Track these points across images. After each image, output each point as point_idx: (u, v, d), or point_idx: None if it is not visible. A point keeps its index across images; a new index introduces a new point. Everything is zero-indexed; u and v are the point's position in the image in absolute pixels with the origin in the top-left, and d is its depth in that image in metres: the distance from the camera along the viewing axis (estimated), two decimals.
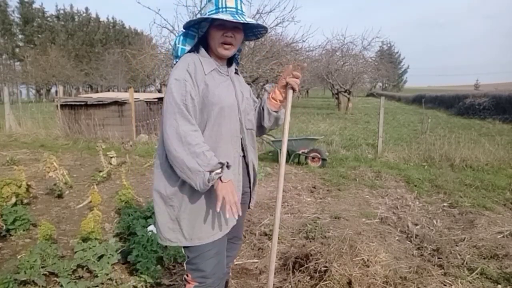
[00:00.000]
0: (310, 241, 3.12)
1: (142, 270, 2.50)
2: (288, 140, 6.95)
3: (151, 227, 2.96)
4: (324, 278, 2.32)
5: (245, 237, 3.22)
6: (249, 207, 1.85)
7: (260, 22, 1.66)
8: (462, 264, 2.82)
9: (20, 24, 47.35)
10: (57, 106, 9.31)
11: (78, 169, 6.02)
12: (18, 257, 2.78)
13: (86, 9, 56.72)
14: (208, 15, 1.50)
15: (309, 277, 2.43)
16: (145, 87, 33.34)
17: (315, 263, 2.46)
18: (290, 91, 1.65)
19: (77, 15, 54.92)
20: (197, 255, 1.59)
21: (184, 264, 1.68)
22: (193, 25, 1.57)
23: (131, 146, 7.88)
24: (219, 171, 1.41)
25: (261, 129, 1.81)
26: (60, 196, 4.40)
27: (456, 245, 3.16)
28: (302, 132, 10.80)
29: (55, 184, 4.42)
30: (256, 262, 2.85)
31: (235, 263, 2.79)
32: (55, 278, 2.43)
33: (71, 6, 59.21)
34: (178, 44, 1.59)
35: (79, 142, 8.56)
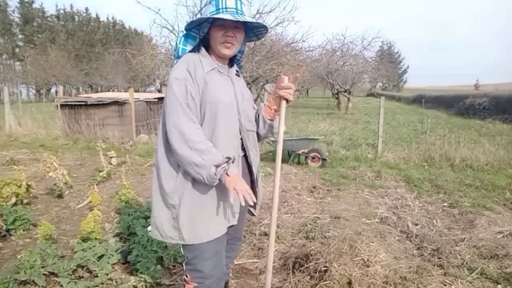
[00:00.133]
0: (310, 241, 3.12)
1: (142, 270, 2.50)
2: (288, 140, 6.91)
3: (151, 227, 2.96)
4: (324, 278, 2.32)
5: (245, 237, 3.22)
6: (253, 214, 1.86)
7: (260, 21, 1.66)
8: (462, 264, 2.82)
9: (20, 24, 47.37)
10: (57, 106, 9.31)
11: (78, 169, 6.02)
12: (18, 257, 2.78)
13: (86, 9, 56.77)
14: (209, 16, 1.51)
15: (309, 277, 2.43)
16: (145, 87, 33.37)
17: (315, 263, 2.46)
18: (284, 102, 1.65)
19: (77, 15, 54.96)
20: (195, 256, 1.59)
21: (183, 265, 1.68)
22: (194, 26, 1.58)
23: (131, 146, 7.88)
24: (225, 165, 1.46)
25: (256, 136, 1.82)
26: (60, 196, 4.40)
27: (456, 245, 3.16)
28: (302, 132, 10.80)
29: (55, 184, 4.42)
30: (256, 262, 2.85)
31: (235, 263, 2.79)
32: (55, 278, 2.43)
33: (71, 6, 59.22)
34: (179, 44, 1.60)
35: (79, 142, 8.55)
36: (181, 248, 1.66)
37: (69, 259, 2.60)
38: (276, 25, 8.51)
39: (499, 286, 2.54)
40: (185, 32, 1.60)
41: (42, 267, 2.42)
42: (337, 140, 8.43)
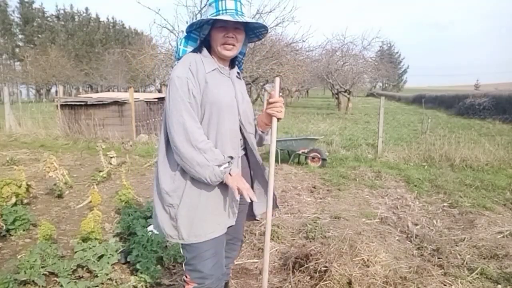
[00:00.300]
0: (310, 241, 3.12)
1: (142, 270, 2.50)
2: (288, 140, 6.91)
3: (151, 227, 2.96)
4: (324, 278, 2.32)
5: (245, 237, 3.22)
6: (255, 219, 1.88)
7: (260, 22, 1.66)
8: (462, 264, 2.82)
9: (20, 24, 47.34)
10: (57, 106, 9.32)
11: (78, 169, 6.02)
12: (18, 257, 2.78)
13: (86, 9, 56.79)
14: (209, 17, 1.52)
15: (309, 277, 2.43)
16: (145, 87, 33.31)
17: (315, 263, 2.46)
18: (274, 119, 1.66)
19: (77, 15, 54.92)
20: (194, 256, 1.60)
21: (183, 265, 1.68)
22: (195, 29, 1.60)
23: (131, 146, 7.88)
24: (227, 165, 1.49)
25: None
26: (60, 196, 4.40)
27: (456, 245, 3.16)
28: (302, 132, 10.80)
29: (55, 184, 4.42)
30: (256, 262, 2.86)
31: (235, 263, 2.79)
32: (55, 278, 2.43)
33: (71, 6, 59.37)
34: (180, 45, 1.61)
35: (79, 142, 8.55)
36: (181, 249, 1.67)
37: (69, 259, 2.60)
38: (276, 25, 8.52)
39: (499, 286, 2.54)
40: (186, 34, 1.61)
41: (42, 267, 2.42)
42: (337, 140, 8.43)
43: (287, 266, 2.66)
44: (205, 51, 1.61)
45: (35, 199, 4.28)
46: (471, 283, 2.57)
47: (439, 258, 2.92)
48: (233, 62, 1.72)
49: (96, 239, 2.72)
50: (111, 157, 5.72)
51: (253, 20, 1.58)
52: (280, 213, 4.00)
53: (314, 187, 5.05)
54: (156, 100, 10.02)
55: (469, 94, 20.09)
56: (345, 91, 20.91)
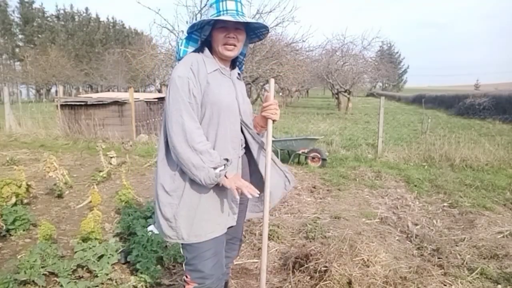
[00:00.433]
0: (310, 241, 3.12)
1: (142, 270, 2.50)
2: (288, 140, 6.90)
3: (151, 227, 2.96)
4: (324, 278, 2.32)
5: (245, 237, 3.22)
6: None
7: (260, 22, 1.67)
8: (462, 264, 2.82)
9: (20, 24, 47.32)
10: (57, 106, 9.31)
11: (78, 169, 6.02)
12: (18, 257, 2.78)
13: (86, 9, 56.72)
14: (210, 18, 1.52)
15: (309, 277, 2.43)
16: (145, 87, 33.29)
17: (315, 263, 2.46)
18: (270, 121, 1.67)
19: (77, 15, 54.90)
20: (195, 256, 1.60)
21: (183, 265, 1.68)
22: (196, 29, 1.60)
23: (131, 146, 7.88)
24: (223, 167, 1.48)
25: None
26: (60, 196, 4.40)
27: (456, 245, 3.16)
28: (302, 132, 10.80)
29: (55, 184, 4.42)
30: (256, 262, 2.85)
31: (235, 263, 2.79)
32: (55, 278, 2.43)
33: (71, 6, 59.28)
34: (181, 46, 1.62)
35: (79, 142, 8.55)
36: (181, 249, 1.67)
37: (69, 259, 2.60)
38: (276, 25, 8.51)
39: (499, 286, 2.54)
40: (187, 35, 1.62)
41: (42, 267, 2.42)
42: (337, 140, 8.44)
43: (287, 266, 2.66)
44: (207, 51, 1.62)
45: (35, 199, 4.28)
46: (471, 283, 2.57)
47: (439, 258, 2.92)
48: (234, 63, 1.73)
49: (96, 239, 2.72)
50: (111, 157, 5.72)
51: (254, 20, 1.59)
52: (280, 213, 4.00)
53: (314, 187, 5.05)
54: (156, 100, 10.01)
55: (469, 94, 20.09)
56: (345, 91, 20.92)
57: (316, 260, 2.48)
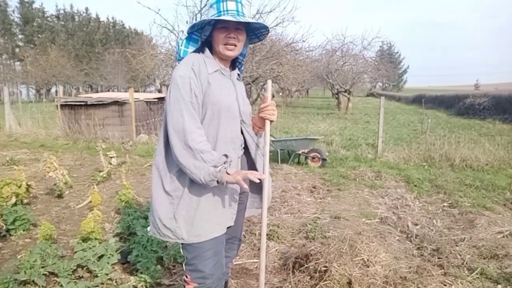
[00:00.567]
0: (310, 241, 3.12)
1: (142, 270, 2.50)
2: (288, 140, 6.90)
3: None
4: (324, 278, 2.32)
5: (245, 237, 3.22)
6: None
7: (260, 22, 1.67)
8: (462, 264, 2.82)
9: (20, 24, 47.31)
10: (57, 106, 9.31)
11: (78, 169, 6.02)
12: (18, 257, 2.78)
13: (86, 9, 56.68)
14: (211, 18, 1.53)
15: (309, 277, 2.43)
16: (145, 87, 33.28)
17: (315, 263, 2.46)
18: (267, 121, 1.67)
19: (77, 15, 54.90)
20: (195, 256, 1.60)
21: (183, 265, 1.68)
22: (196, 29, 1.60)
23: (131, 146, 7.88)
24: (224, 165, 1.47)
25: None
26: (60, 196, 4.40)
27: (456, 245, 3.16)
28: (302, 132, 10.80)
29: (55, 184, 4.42)
30: (256, 262, 2.85)
31: (235, 263, 2.79)
32: (55, 278, 2.43)
33: (71, 6, 59.12)
34: (181, 46, 1.62)
35: (79, 142, 8.55)
36: (181, 249, 1.66)
37: (69, 259, 2.60)
38: (276, 25, 8.51)
39: (499, 286, 2.54)
40: (187, 35, 1.62)
41: (42, 267, 2.42)
42: (337, 140, 8.44)
43: (287, 266, 2.66)
44: (207, 51, 1.62)
45: (35, 199, 4.28)
46: (471, 283, 2.57)
47: (439, 258, 2.92)
48: (233, 64, 1.73)
49: (96, 239, 2.72)
50: (111, 157, 5.72)
51: (254, 21, 1.59)
52: (280, 213, 4.00)
53: (314, 187, 5.05)
54: (156, 100, 10.01)
55: (469, 94, 20.08)
56: (345, 91, 20.91)
57: (316, 260, 2.48)
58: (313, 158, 6.45)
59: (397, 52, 69.17)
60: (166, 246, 2.84)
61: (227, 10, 1.51)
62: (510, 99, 16.13)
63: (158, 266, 2.60)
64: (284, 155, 6.79)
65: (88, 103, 8.97)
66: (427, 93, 32.57)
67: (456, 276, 2.64)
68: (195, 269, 1.61)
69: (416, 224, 3.69)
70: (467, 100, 18.83)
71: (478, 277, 2.63)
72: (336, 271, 2.34)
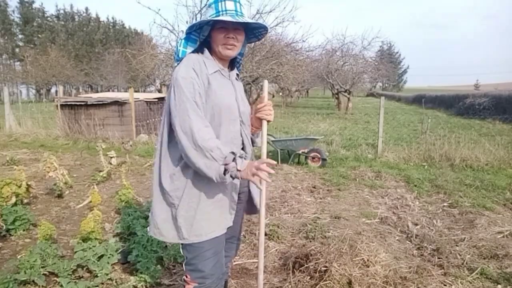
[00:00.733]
0: (310, 241, 3.12)
1: (142, 270, 2.50)
2: (288, 140, 6.90)
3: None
4: (324, 278, 2.32)
5: (245, 237, 3.23)
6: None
7: (260, 22, 1.67)
8: (462, 264, 2.82)
9: (20, 24, 47.30)
10: (57, 106, 9.31)
11: (78, 169, 6.02)
12: (18, 257, 2.78)
13: (86, 9, 56.75)
14: (209, 18, 1.52)
15: (309, 277, 2.43)
16: (145, 87, 33.27)
17: (315, 263, 2.46)
18: (264, 122, 1.67)
19: (77, 15, 54.90)
20: (195, 256, 1.60)
21: (183, 265, 1.68)
22: (195, 30, 1.59)
23: (131, 146, 7.88)
24: (233, 164, 1.44)
25: None
26: (60, 196, 4.40)
27: (456, 245, 3.16)
28: (302, 132, 10.80)
29: (55, 184, 4.42)
30: (256, 262, 2.84)
31: (235, 263, 2.79)
32: (55, 278, 2.43)
33: (71, 6, 59.36)
34: (180, 47, 1.61)
35: (79, 142, 8.56)
36: (181, 249, 1.66)
37: (69, 259, 2.60)
38: (276, 25, 8.53)
39: (499, 286, 2.54)
40: (185, 35, 1.61)
41: (42, 267, 2.42)
42: (337, 140, 8.44)
43: (287, 266, 2.66)
44: (206, 52, 1.61)
45: (35, 199, 4.28)
46: (471, 283, 2.57)
47: (439, 258, 2.92)
48: (232, 63, 1.73)
49: (96, 239, 2.72)
50: (111, 157, 5.72)
51: (253, 21, 1.59)
52: (280, 213, 4.00)
53: (314, 187, 5.05)
54: (156, 100, 10.01)
55: (469, 94, 20.10)
56: (345, 91, 20.91)
57: (316, 260, 2.48)
58: (313, 158, 6.45)
59: (397, 52, 69.27)
60: (166, 246, 2.84)
61: (225, 10, 1.51)
62: (510, 99, 16.13)
63: (158, 266, 2.60)
64: (284, 155, 6.79)
65: (88, 103, 8.97)
66: (427, 93, 32.58)
67: (456, 276, 2.64)
68: (195, 269, 1.61)
69: (416, 224, 3.69)
70: (467, 100, 18.84)
71: (478, 277, 2.63)
72: (336, 271, 2.34)
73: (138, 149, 7.79)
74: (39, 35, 47.53)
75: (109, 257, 2.57)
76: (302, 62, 12.33)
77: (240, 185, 1.68)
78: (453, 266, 2.79)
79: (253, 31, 1.69)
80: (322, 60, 20.05)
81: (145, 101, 9.67)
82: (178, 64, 1.58)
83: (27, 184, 3.80)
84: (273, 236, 3.26)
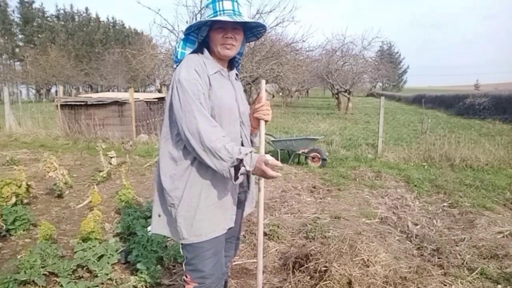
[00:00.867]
0: (310, 241, 3.12)
1: (142, 270, 2.50)
2: (288, 140, 6.90)
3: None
4: (324, 278, 2.32)
5: (245, 237, 3.23)
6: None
7: (259, 21, 1.67)
8: (462, 264, 2.82)
9: (20, 24, 47.30)
10: (57, 106, 9.31)
11: (78, 169, 6.02)
12: (18, 257, 2.78)
13: (86, 9, 56.81)
14: (207, 19, 1.52)
15: (309, 277, 2.43)
16: (145, 87, 33.27)
17: (315, 263, 2.46)
18: (262, 121, 1.68)
19: (77, 15, 54.90)
20: (195, 256, 1.60)
21: (183, 265, 1.68)
22: (193, 31, 1.59)
23: (131, 146, 7.88)
24: (243, 168, 1.44)
25: None
26: (60, 196, 4.40)
27: (456, 245, 3.16)
28: (302, 132, 10.80)
29: (55, 184, 4.42)
30: (256, 262, 2.85)
31: (235, 263, 2.79)
32: (55, 278, 2.43)
33: (71, 6, 59.37)
34: (179, 48, 1.61)
35: (79, 142, 8.56)
36: (181, 249, 1.66)
37: (69, 259, 2.60)
38: (276, 25, 8.52)
39: (499, 286, 2.54)
40: (184, 36, 1.61)
41: (42, 267, 2.42)
42: (337, 140, 8.43)
43: (287, 266, 2.66)
44: (206, 52, 1.61)
45: (35, 199, 4.28)
46: (471, 283, 2.57)
47: (439, 258, 2.92)
48: (231, 64, 1.72)
49: (96, 239, 2.72)
50: (111, 157, 5.72)
51: (251, 20, 1.59)
52: (280, 213, 4.00)
53: (314, 187, 5.05)
54: (156, 100, 10.01)
55: (469, 94, 20.10)
56: (345, 91, 20.91)
57: (316, 260, 2.48)
58: (313, 158, 6.45)
59: (397, 52, 69.29)
60: (166, 246, 2.84)
61: (223, 10, 1.51)
62: (510, 99, 16.13)
63: (158, 266, 2.60)
64: (284, 155, 6.78)
65: (88, 103, 8.97)
66: (427, 93, 32.58)
67: (456, 276, 2.64)
68: (195, 269, 1.61)
69: (416, 224, 3.69)
70: (467, 100, 18.84)
71: (478, 277, 2.63)
72: (336, 271, 2.34)
73: (138, 149, 7.79)
74: (39, 35, 47.53)
75: (109, 257, 2.57)
76: (302, 62, 12.33)
77: (241, 185, 1.69)
78: (453, 266, 2.79)
79: (251, 30, 1.69)
80: (322, 60, 20.05)
81: (145, 101, 9.66)
82: (177, 65, 1.58)
83: (27, 184, 3.80)
84: (273, 236, 3.26)
